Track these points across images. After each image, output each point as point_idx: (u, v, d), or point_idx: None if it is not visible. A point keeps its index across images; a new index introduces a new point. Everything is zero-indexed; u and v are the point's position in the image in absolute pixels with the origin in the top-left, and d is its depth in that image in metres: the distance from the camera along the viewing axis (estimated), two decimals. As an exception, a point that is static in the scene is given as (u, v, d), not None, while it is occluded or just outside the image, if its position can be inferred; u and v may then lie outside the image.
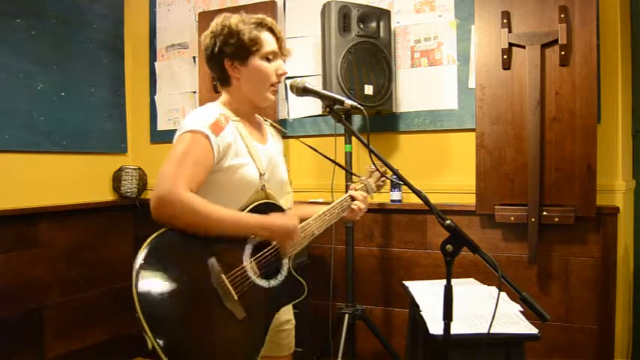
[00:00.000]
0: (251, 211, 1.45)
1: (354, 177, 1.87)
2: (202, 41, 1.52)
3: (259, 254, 1.43)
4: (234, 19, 1.47)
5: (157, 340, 1.19)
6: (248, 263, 1.40)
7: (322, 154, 1.76)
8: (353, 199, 1.69)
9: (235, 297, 1.34)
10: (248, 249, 1.42)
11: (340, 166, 1.86)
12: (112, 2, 3.24)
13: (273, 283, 1.44)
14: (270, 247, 1.45)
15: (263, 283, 1.42)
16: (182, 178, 1.31)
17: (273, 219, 1.44)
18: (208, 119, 1.40)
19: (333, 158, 1.78)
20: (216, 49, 1.47)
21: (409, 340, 2.18)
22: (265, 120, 1.70)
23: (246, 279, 1.38)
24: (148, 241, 1.28)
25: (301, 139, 1.80)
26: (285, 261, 1.48)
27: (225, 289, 1.33)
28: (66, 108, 2.91)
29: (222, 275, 1.33)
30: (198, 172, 1.36)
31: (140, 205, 3.26)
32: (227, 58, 1.47)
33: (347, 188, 2.48)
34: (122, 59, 3.32)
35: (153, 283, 1.26)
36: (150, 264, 1.26)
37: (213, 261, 1.34)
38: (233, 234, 1.38)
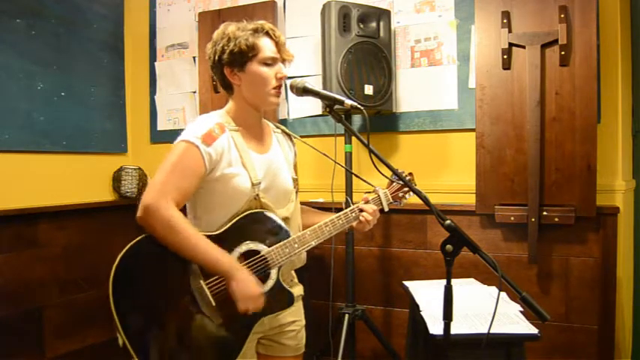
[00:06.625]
0: (240, 219, 1.45)
1: (370, 186, 1.70)
2: (206, 51, 1.54)
3: (244, 263, 1.42)
4: (232, 27, 1.49)
5: (128, 338, 1.25)
6: None
7: (335, 161, 1.76)
8: (361, 211, 1.59)
9: (213, 303, 1.36)
10: (234, 257, 1.41)
11: (349, 171, 1.85)
12: (112, 2, 3.24)
13: None
14: (257, 257, 1.44)
15: None
16: (169, 189, 1.34)
17: (245, 277, 1.38)
18: (202, 129, 1.42)
19: (333, 159, 1.77)
20: (216, 57, 1.49)
21: (409, 340, 2.18)
22: (277, 127, 1.68)
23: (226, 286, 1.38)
24: (134, 241, 1.32)
25: (302, 138, 1.78)
26: (274, 271, 1.46)
27: (203, 295, 1.36)
28: (66, 108, 2.91)
29: (201, 281, 1.36)
30: (187, 182, 1.38)
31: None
32: (226, 65, 1.48)
33: (347, 189, 2.51)
34: (122, 59, 3.32)
35: (129, 281, 1.29)
36: (129, 263, 1.30)
37: (194, 266, 1.36)
38: (201, 265, 1.37)
